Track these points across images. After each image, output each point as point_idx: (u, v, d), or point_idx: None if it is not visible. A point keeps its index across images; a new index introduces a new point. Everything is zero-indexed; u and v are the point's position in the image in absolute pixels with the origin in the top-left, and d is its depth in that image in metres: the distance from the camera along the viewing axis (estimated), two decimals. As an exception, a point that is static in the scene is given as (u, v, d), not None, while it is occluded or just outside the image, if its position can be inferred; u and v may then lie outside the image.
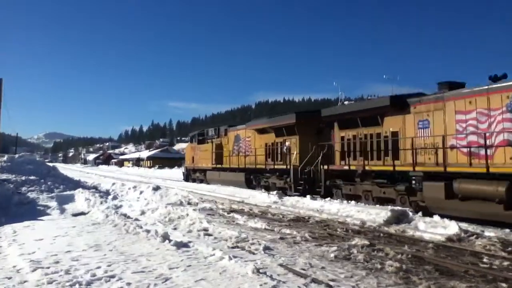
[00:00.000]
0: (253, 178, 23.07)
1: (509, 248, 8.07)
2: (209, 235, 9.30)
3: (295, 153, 19.61)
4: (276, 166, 20.97)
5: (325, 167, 17.18)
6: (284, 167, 20.09)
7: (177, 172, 51.39)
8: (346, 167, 16.16)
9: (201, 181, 29.37)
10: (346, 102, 21.37)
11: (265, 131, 22.62)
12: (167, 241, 8.17)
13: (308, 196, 15.98)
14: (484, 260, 7.29)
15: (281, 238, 9.07)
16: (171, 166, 73.93)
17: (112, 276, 5.91)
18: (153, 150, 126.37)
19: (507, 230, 10.03)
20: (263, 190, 20.31)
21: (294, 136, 20.20)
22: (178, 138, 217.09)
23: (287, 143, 20.49)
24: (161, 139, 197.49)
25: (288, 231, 9.92)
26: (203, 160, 29.19)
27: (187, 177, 32.85)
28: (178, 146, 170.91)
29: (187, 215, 11.80)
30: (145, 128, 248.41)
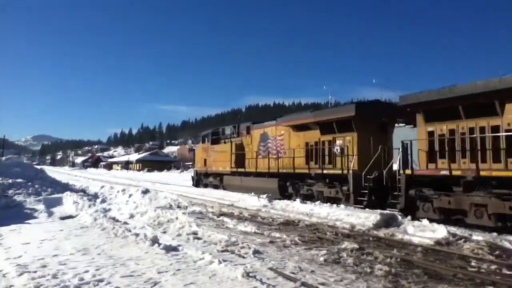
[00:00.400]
0: (290, 185, 18.69)
1: (497, 252, 8.15)
2: (199, 238, 9.25)
3: (353, 154, 15.79)
4: (325, 171, 16.54)
5: (408, 171, 13.04)
6: (339, 172, 15.81)
7: (167, 176, 51.21)
8: (444, 172, 11.97)
9: (216, 187, 25.65)
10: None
11: (305, 127, 18.44)
12: (156, 244, 8.11)
13: (298, 200, 15.93)
14: (472, 263, 7.35)
15: (271, 242, 9.05)
16: (161, 169, 73.75)
17: (101, 280, 5.84)
18: (142, 153, 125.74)
19: (495, 234, 10.13)
20: (301, 200, 16.58)
21: (350, 133, 16.21)
22: (168, 141, 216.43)
23: (338, 142, 16.69)
24: (150, 142, 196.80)
25: (278, 234, 9.91)
26: (219, 163, 25.22)
27: (198, 183, 28.85)
28: (168, 149, 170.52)
29: (177, 218, 11.74)
30: (134, 131, 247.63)
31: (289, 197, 18.14)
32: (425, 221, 10.82)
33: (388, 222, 11.34)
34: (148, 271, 6.39)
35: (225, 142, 25.42)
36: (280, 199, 17.47)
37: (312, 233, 10.40)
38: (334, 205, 14.58)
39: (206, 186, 27.29)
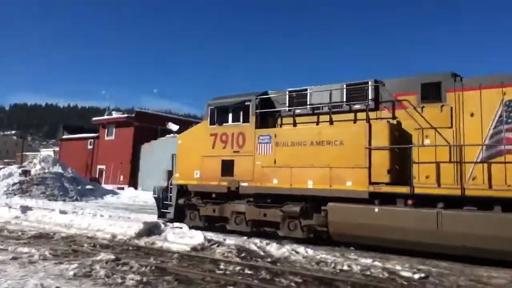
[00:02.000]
0: None
1: (243, 254, 8.99)
2: None
3: None
4: None
5: None
6: None
7: None
8: None
9: (261, 235, 11.57)
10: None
11: None
12: None
13: (57, 210, 14.57)
14: (221, 266, 7.91)
15: (14, 258, 7.96)
16: None
17: None
18: None
19: (245, 238, 11.20)
20: None
21: None
22: None
23: None
24: None
25: (25, 249, 8.81)
26: (304, 172, 10.95)
27: (182, 213, 13.45)
28: None
29: None
30: None
31: None
32: (185, 228, 11.25)
33: (150, 230, 11.34)
34: None
35: (330, 123, 11.16)
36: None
37: (67, 246, 9.61)
38: (98, 215, 13.73)
39: (220, 225, 12.90)
